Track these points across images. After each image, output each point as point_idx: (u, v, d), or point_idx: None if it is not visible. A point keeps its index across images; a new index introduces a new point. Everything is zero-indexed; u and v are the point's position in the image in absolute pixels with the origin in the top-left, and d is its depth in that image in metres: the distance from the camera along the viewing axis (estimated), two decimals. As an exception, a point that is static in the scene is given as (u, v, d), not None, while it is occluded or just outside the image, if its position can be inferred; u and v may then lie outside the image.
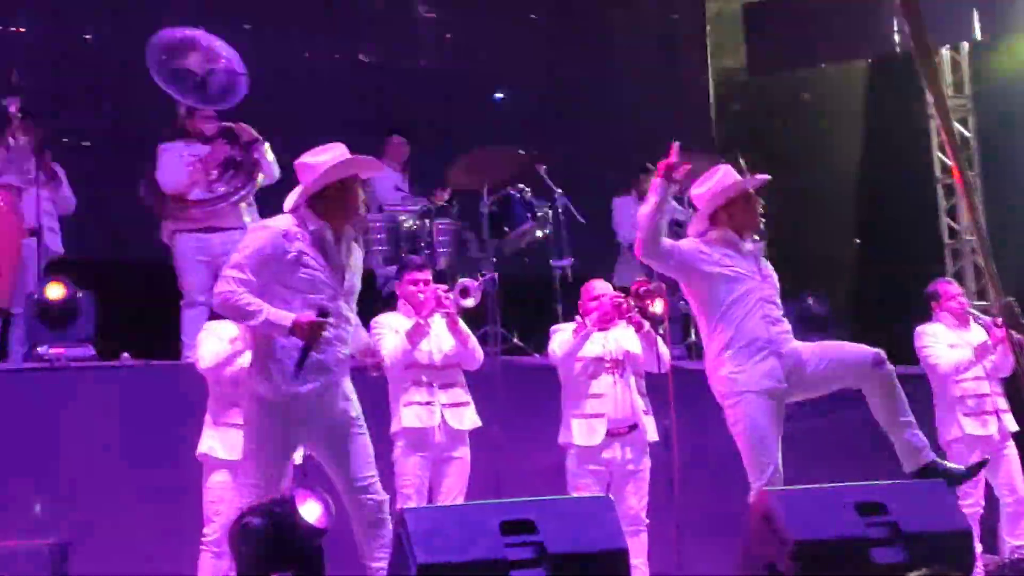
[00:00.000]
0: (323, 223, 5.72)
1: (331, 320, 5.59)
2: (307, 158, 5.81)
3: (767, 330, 6.28)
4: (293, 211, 5.78)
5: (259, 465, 5.67)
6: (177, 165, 8.67)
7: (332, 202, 5.74)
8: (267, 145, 8.74)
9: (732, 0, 14.88)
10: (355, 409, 5.85)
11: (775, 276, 6.55)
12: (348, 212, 5.80)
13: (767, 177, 6.61)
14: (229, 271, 5.63)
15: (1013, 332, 6.24)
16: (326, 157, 5.76)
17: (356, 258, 5.89)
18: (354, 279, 5.86)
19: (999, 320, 7.78)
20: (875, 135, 14.54)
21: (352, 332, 5.93)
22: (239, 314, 5.65)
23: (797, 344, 6.39)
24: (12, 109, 8.86)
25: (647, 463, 7.57)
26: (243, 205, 8.71)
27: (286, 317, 5.52)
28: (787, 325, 6.43)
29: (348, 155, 5.83)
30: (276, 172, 8.66)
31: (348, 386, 5.85)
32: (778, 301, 6.47)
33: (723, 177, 6.51)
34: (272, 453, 5.68)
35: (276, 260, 5.63)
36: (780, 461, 6.21)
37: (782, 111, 15.01)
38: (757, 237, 6.62)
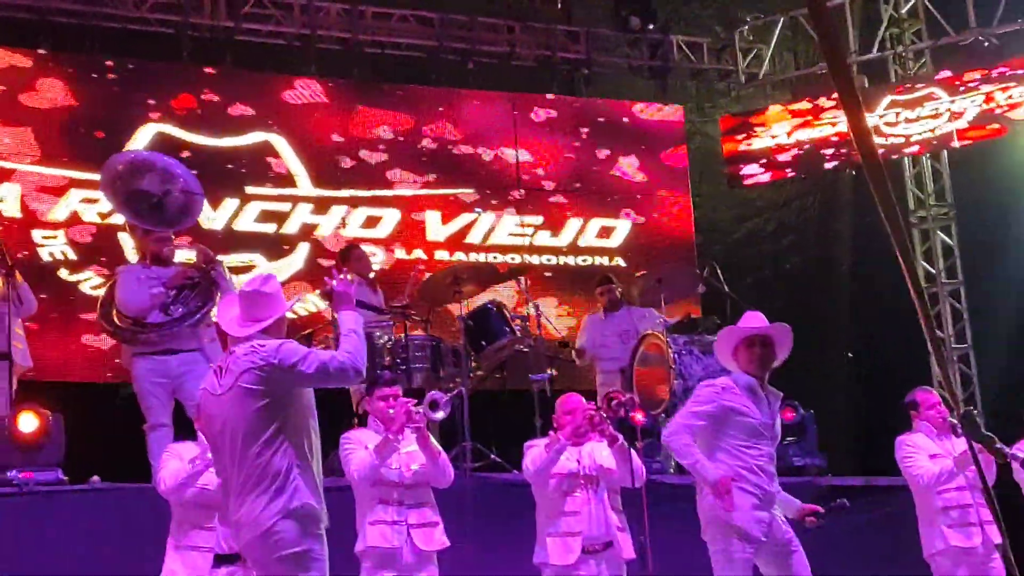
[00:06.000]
0: None
1: None
2: (271, 289, 5.75)
3: None
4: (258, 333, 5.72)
5: None
6: (136, 288, 8.61)
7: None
8: (224, 264, 8.72)
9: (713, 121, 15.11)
10: None
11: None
12: None
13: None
14: None
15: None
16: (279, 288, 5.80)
17: None
18: None
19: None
20: (862, 243, 14.59)
21: None
22: None
23: None
24: None
25: (624, 582, 7.41)
26: (202, 326, 8.67)
27: None
28: None
29: None
30: (234, 289, 8.61)
31: None
32: None
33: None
34: None
35: None
36: None
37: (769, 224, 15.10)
38: None
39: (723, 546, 6.64)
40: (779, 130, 14.46)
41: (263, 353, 5.49)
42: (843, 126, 14.15)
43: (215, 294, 8.60)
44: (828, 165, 14.48)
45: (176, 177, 8.75)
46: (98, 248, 12.23)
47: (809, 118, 14.43)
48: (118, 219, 12.17)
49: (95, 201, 12.17)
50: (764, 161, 14.51)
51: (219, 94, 13.11)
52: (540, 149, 14.22)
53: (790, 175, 14.72)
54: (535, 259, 13.65)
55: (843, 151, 14.19)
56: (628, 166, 14.55)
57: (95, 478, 8.48)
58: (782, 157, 14.48)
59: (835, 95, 14.04)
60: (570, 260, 13.99)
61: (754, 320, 7.05)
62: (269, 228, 12.89)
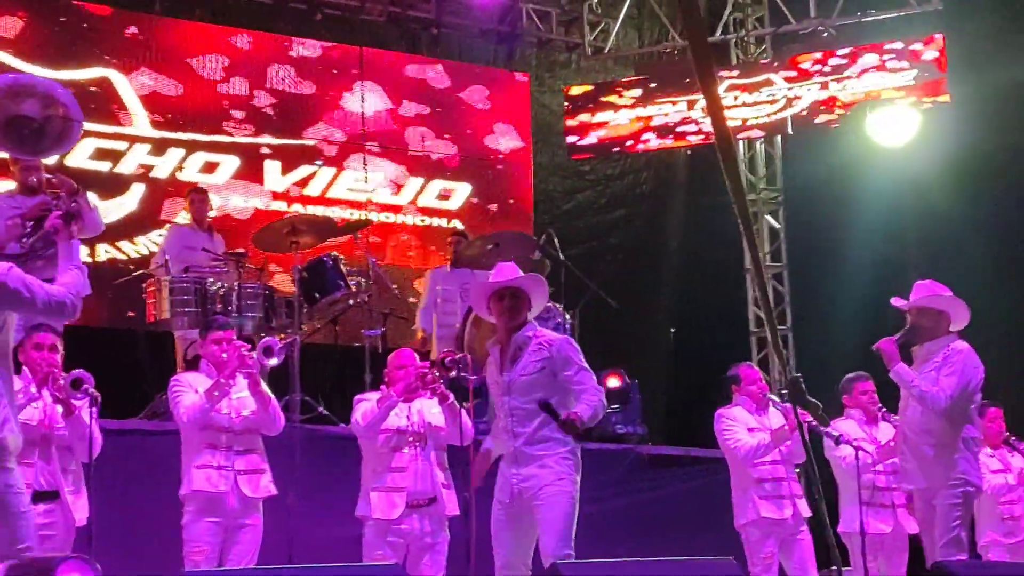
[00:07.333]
0: None
1: None
2: None
3: None
4: None
5: None
6: None
7: None
8: (89, 195, 8.50)
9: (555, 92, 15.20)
10: None
11: None
12: None
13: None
14: None
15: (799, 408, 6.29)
16: None
17: None
18: None
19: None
20: (693, 223, 14.88)
21: None
22: None
23: None
24: None
25: (445, 536, 7.50)
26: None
27: None
28: None
29: None
30: (101, 223, 8.43)
31: None
32: None
33: None
34: None
35: None
36: None
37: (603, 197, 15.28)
38: None
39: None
40: (610, 109, 14.59)
41: None
42: (651, 110, 14.43)
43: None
44: (639, 147, 14.74)
45: (58, 102, 8.38)
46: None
47: (618, 98, 14.62)
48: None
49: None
50: (590, 137, 14.67)
51: (59, 26, 12.77)
52: (384, 106, 14.17)
53: (587, 157, 14.92)
54: (374, 216, 13.62)
55: (651, 140, 14.51)
56: (470, 130, 14.60)
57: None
58: (599, 134, 14.64)
59: (662, 78, 14.35)
60: (408, 220, 14.01)
61: (503, 272, 6.78)
62: (103, 166, 12.60)
